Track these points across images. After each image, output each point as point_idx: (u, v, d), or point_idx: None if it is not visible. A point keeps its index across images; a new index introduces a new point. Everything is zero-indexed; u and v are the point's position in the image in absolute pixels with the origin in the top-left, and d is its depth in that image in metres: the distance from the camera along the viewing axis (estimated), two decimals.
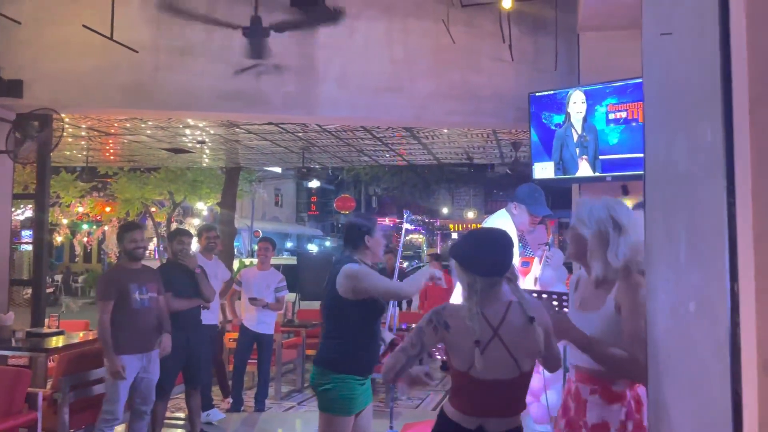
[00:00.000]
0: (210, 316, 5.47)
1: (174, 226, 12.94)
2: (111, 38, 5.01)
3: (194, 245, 5.49)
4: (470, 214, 26.22)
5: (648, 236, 1.94)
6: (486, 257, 2.15)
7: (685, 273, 1.45)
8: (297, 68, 5.62)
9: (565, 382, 2.57)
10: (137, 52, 5.29)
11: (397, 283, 3.33)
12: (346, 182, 26.52)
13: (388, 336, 3.34)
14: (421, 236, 28.66)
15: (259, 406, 6.16)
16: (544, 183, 5.51)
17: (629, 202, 4.80)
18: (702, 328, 1.31)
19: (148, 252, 17.35)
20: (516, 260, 4.42)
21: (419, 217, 25.87)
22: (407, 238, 29.42)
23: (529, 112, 5.37)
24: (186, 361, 4.76)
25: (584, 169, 5.03)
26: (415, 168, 19.45)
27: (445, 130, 7.01)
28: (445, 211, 27.40)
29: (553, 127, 5.19)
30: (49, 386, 4.41)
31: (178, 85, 5.56)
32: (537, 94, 5.33)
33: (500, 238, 2.23)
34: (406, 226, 4.81)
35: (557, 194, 7.10)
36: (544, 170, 5.33)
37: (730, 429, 1.11)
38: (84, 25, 4.91)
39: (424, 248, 27.76)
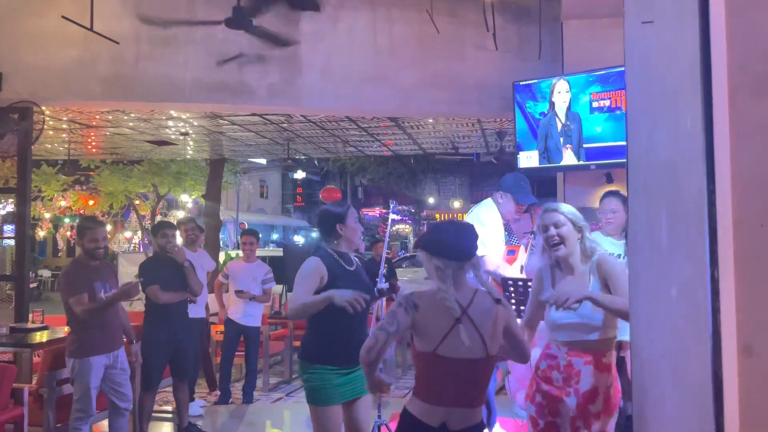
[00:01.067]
0: (197, 309, 5.45)
1: (159, 218, 12.84)
2: (91, 29, 4.94)
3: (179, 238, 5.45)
4: (456, 204, 26.30)
5: (631, 223, 1.96)
6: (453, 243, 2.25)
7: (667, 259, 1.47)
8: (280, 59, 5.59)
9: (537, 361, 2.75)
10: (118, 43, 5.23)
11: (302, 299, 2.93)
12: (332, 173, 26.46)
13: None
14: (407, 226, 28.73)
15: (247, 398, 6.16)
16: (529, 172, 5.55)
17: (615, 188, 4.87)
18: (683, 313, 1.33)
19: (133, 245, 17.19)
20: (502, 249, 4.46)
21: (405, 207, 25.91)
22: (394, 228, 29.46)
23: (514, 101, 5.40)
24: (173, 354, 4.74)
25: (569, 158, 5.06)
26: (401, 158, 19.46)
27: (430, 120, 7.01)
28: (431, 200, 27.47)
29: (537, 116, 5.22)
30: (34, 382, 4.38)
31: (160, 77, 5.50)
32: (521, 83, 5.35)
33: (465, 227, 2.37)
34: (392, 216, 4.81)
35: (542, 183, 7.14)
36: (528, 159, 5.36)
37: (711, 411, 1.13)
38: (63, 16, 4.84)
39: (411, 238, 27.83)
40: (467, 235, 2.29)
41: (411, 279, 12.99)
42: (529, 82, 5.28)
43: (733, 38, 1.14)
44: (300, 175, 26.33)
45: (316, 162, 19.22)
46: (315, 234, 31.02)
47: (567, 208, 2.66)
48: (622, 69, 2.70)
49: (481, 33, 5.54)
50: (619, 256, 3.91)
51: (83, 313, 3.85)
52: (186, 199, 14.02)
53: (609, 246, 3.99)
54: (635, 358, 1.92)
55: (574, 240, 2.55)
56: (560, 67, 5.38)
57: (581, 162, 4.99)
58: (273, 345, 7.13)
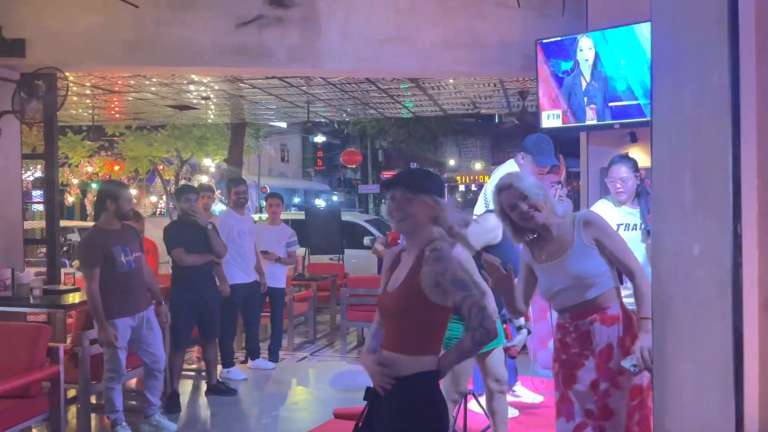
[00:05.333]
0: (245, 276, 5.58)
1: (182, 183, 12.98)
2: None
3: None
4: (477, 166, 26.10)
5: (654, 182, 1.95)
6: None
7: (691, 217, 1.47)
8: (300, 20, 5.53)
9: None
10: (137, 7, 5.22)
11: None
12: (352, 136, 26.36)
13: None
14: None
15: (273, 358, 6.32)
16: (552, 132, 5.48)
17: (638, 149, 4.79)
18: (705, 270, 1.34)
19: (158, 210, 17.44)
20: None
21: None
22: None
23: (536, 59, 5.30)
24: (200, 315, 4.86)
25: (592, 117, 4.98)
26: (421, 120, 19.29)
27: (451, 80, 6.93)
28: (452, 163, 27.28)
29: (560, 75, 5.13)
30: (68, 341, 4.54)
31: (180, 41, 5.49)
32: (544, 41, 5.24)
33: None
34: None
35: (566, 143, 7.06)
36: (551, 119, 5.29)
37: (731, 365, 1.15)
38: None
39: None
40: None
41: None
42: (553, 39, 5.17)
43: None
44: (320, 138, 26.34)
45: (336, 125, 19.18)
46: (336, 198, 31.14)
47: (528, 184, 2.48)
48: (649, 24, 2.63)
49: None
50: (636, 226, 3.87)
51: (90, 291, 3.94)
52: (208, 163, 14.13)
53: (625, 216, 3.95)
54: (656, 317, 1.93)
55: (543, 205, 2.44)
56: (584, 24, 5.25)
57: (605, 121, 4.91)
58: (297, 306, 7.27)
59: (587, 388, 2.37)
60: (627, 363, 2.31)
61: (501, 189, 2.49)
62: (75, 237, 11.07)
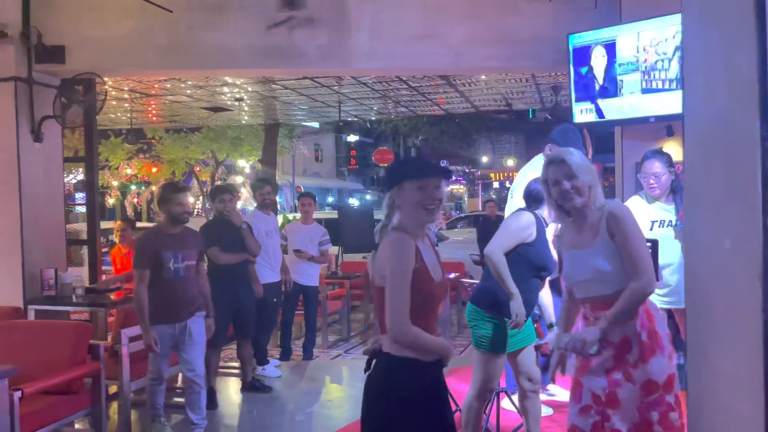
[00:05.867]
0: (272, 274, 5.66)
1: (218, 183, 13.19)
2: None
3: (242, 201, 5.62)
4: (511, 162, 25.85)
5: (687, 176, 1.91)
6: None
7: (722, 210, 1.44)
8: (330, 20, 5.57)
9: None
10: (171, 11, 5.33)
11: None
12: (384, 135, 26.39)
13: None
14: (462, 187, 28.47)
15: (307, 355, 6.38)
16: (585, 126, 5.41)
17: (674, 144, 4.68)
18: (737, 265, 1.31)
19: (195, 210, 17.80)
20: None
21: (459, 168, 25.64)
22: (447, 189, 29.25)
23: (569, 53, 5.23)
24: (236, 313, 4.94)
25: (627, 110, 4.90)
26: (454, 117, 19.20)
27: (483, 77, 6.88)
28: (486, 160, 27.07)
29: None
30: (109, 339, 4.67)
31: (213, 43, 5.58)
32: (576, 35, 5.17)
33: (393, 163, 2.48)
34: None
35: (600, 138, 6.94)
36: (584, 113, 5.22)
37: (761, 360, 1.12)
38: None
39: (465, 198, 27.62)
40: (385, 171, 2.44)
41: (465, 239, 12.91)
42: (585, 32, 5.10)
43: None
44: (353, 138, 26.45)
45: (368, 124, 19.21)
46: (369, 196, 31.23)
47: (577, 159, 2.44)
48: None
49: None
50: (670, 222, 3.78)
51: (137, 292, 3.87)
52: (242, 164, 14.34)
53: (659, 212, 3.87)
54: (691, 313, 1.90)
55: (586, 190, 2.40)
56: (617, 16, 5.16)
57: (640, 115, 4.82)
58: (330, 304, 7.32)
59: (600, 376, 2.38)
60: (563, 342, 2.39)
61: (551, 162, 2.49)
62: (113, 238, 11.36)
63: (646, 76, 4.73)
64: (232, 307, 4.87)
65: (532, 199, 3.44)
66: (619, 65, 4.91)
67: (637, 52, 4.78)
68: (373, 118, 10.62)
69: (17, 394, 3.19)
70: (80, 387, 3.84)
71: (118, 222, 6.97)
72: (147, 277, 3.88)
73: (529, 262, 3.30)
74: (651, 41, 4.67)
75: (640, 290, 2.30)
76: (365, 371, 2.21)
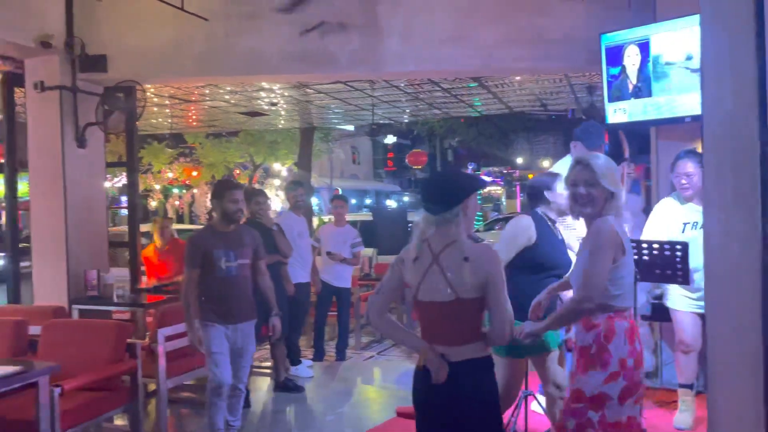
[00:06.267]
0: (303, 274, 5.76)
1: (256, 187, 13.43)
2: (182, 9, 5.22)
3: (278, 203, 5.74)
4: (548, 163, 25.49)
5: (705, 177, 1.89)
6: (427, 196, 2.34)
7: (732, 214, 1.42)
8: (361, 25, 5.64)
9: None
10: (207, 20, 5.48)
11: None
12: (421, 136, 26.37)
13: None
14: (500, 188, 28.23)
15: (340, 356, 6.46)
16: (618, 127, 5.33)
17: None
18: (744, 270, 1.30)
19: None
20: None
21: (497, 169, 25.43)
22: (485, 190, 29.05)
23: (601, 52, 5.16)
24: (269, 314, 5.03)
25: (661, 110, 4.81)
26: (491, 118, 19.05)
27: (518, 78, 6.85)
28: (523, 160, 26.78)
29: (609, 79, 5.04)
30: (147, 338, 4.82)
31: (248, 50, 5.71)
32: (609, 34, 5.11)
33: (438, 180, 2.52)
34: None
35: (635, 138, 6.81)
36: (617, 113, 5.14)
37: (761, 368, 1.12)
38: None
39: (503, 200, 27.38)
40: (439, 189, 2.34)
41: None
42: (618, 32, 5.04)
43: None
44: (390, 140, 26.51)
45: (404, 126, 19.23)
46: (407, 198, 31.26)
47: (602, 164, 2.42)
48: None
49: None
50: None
51: (184, 291, 3.81)
52: (278, 167, 14.56)
53: (691, 213, 3.79)
54: (710, 318, 1.87)
55: (601, 200, 2.38)
56: (651, 15, 5.07)
57: (675, 115, 4.73)
58: (364, 306, 7.38)
59: (569, 372, 2.55)
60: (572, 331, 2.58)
61: (578, 162, 2.50)
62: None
63: (681, 75, 4.64)
64: (265, 307, 4.96)
65: (533, 196, 3.38)
66: (653, 64, 4.83)
67: (672, 50, 4.70)
68: (406, 120, 10.66)
69: (57, 391, 3.34)
70: (118, 384, 3.99)
71: (159, 218, 7.16)
72: (196, 276, 3.80)
73: (536, 264, 3.24)
74: (685, 39, 4.58)
75: (574, 303, 2.40)
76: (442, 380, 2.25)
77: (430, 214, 2.32)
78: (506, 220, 16.98)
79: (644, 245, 3.35)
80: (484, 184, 3.41)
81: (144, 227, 10.10)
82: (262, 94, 7.89)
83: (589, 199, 2.40)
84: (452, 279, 2.22)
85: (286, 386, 5.35)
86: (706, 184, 1.82)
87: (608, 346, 2.34)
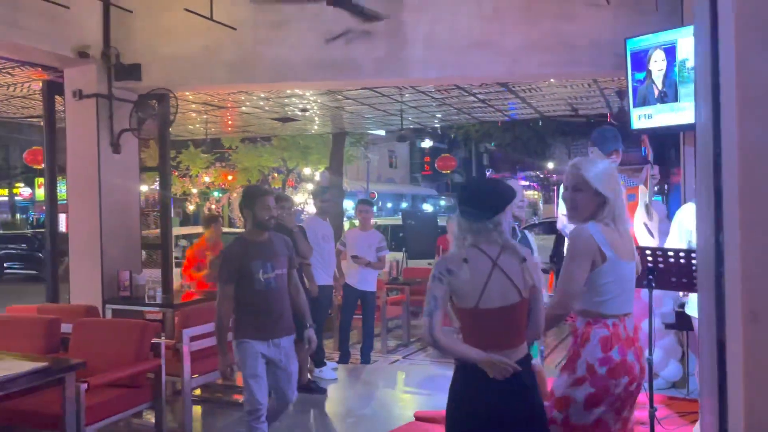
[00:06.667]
0: (326, 277, 5.86)
1: (290, 191, 13.65)
2: (211, 18, 5.39)
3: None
4: None
5: (696, 190, 1.88)
6: (469, 203, 2.36)
7: (703, 225, 1.43)
8: (385, 32, 5.70)
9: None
10: (236, 29, 5.64)
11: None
12: (457, 140, 26.29)
13: None
14: (537, 193, 27.90)
15: (365, 359, 6.52)
16: (644, 132, 5.26)
17: None
18: (707, 280, 1.30)
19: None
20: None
21: (534, 173, 25.13)
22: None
23: (627, 57, 5.10)
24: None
25: (686, 115, 4.73)
26: (527, 122, 18.85)
27: (546, 83, 6.81)
28: (561, 165, 26.41)
29: (634, 84, 4.98)
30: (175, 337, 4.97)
31: (276, 58, 5.84)
32: (634, 39, 5.05)
33: (483, 187, 2.55)
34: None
35: (662, 145, 6.70)
36: (643, 119, 5.07)
37: (716, 378, 1.13)
38: (186, 9, 5.32)
39: (540, 204, 27.04)
40: (482, 196, 2.37)
41: (540, 246, 12.63)
42: (644, 36, 4.98)
43: None
44: (427, 144, 26.52)
45: (439, 130, 19.19)
46: (443, 202, 31.20)
47: (596, 168, 2.38)
48: None
49: None
50: None
51: (218, 311, 3.50)
52: (308, 172, 14.75)
53: None
54: (699, 324, 1.87)
55: (589, 206, 2.36)
56: (679, 19, 4.99)
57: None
58: (390, 309, 7.43)
59: None
60: None
61: (571, 165, 2.49)
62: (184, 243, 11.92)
63: None
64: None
65: None
66: (679, 69, 4.75)
67: None
68: (436, 125, 10.69)
69: (83, 386, 3.49)
70: (143, 381, 4.14)
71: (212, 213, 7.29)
72: (231, 292, 3.49)
73: None
74: None
75: (548, 309, 2.41)
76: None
77: (467, 219, 2.34)
78: (542, 225, 16.77)
79: (659, 252, 3.31)
80: (515, 194, 3.41)
81: (184, 230, 10.32)
82: (294, 100, 8.03)
83: (573, 204, 2.40)
84: (517, 281, 2.29)
85: (308, 388, 5.44)
86: (698, 200, 1.83)
87: (581, 351, 2.35)
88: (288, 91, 7.40)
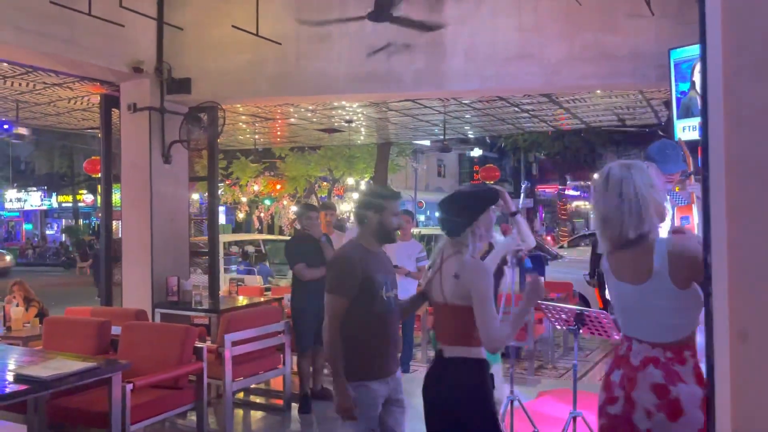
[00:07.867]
0: None
1: (335, 200, 13.86)
2: (257, 34, 5.59)
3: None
4: None
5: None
6: (439, 221, 2.66)
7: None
8: (426, 45, 5.78)
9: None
10: (280, 44, 5.82)
11: None
12: (506, 150, 26.07)
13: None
14: (587, 203, 27.35)
15: (404, 368, 6.54)
16: (688, 145, 5.14)
17: None
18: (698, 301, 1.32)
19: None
20: (668, 216, 3.80)
21: (585, 183, 24.65)
22: (573, 204, 28.21)
23: (670, 68, 5.02)
24: (319, 324, 5.22)
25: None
26: (577, 132, 18.58)
27: (591, 93, 6.75)
28: None
29: (678, 95, 4.87)
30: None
31: (318, 71, 6.00)
32: (678, 49, 4.96)
33: (448, 205, 2.63)
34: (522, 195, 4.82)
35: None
36: (687, 131, 4.97)
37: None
38: (233, 26, 5.53)
39: (591, 216, 26.44)
40: (449, 214, 2.59)
41: (586, 258, 12.24)
42: (688, 46, 4.89)
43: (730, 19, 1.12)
44: (476, 152, 26.41)
45: (487, 139, 19.13)
46: None
47: (641, 179, 2.29)
48: None
49: (634, 0, 5.21)
50: None
51: (328, 336, 2.79)
52: (351, 181, 14.92)
53: None
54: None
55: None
56: None
57: None
58: (430, 320, 7.44)
59: None
60: None
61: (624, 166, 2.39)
62: (250, 249, 12.20)
63: None
64: (316, 318, 5.15)
65: None
66: None
67: None
68: (480, 135, 10.70)
69: (129, 387, 3.67)
70: (186, 384, 4.30)
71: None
72: (342, 311, 2.77)
73: None
74: None
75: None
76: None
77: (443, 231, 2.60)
78: (592, 236, 16.32)
79: None
80: (496, 197, 3.11)
81: (239, 236, 10.49)
82: (340, 111, 8.20)
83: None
84: (445, 285, 2.54)
85: (323, 395, 5.28)
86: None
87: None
88: (334, 103, 7.57)
